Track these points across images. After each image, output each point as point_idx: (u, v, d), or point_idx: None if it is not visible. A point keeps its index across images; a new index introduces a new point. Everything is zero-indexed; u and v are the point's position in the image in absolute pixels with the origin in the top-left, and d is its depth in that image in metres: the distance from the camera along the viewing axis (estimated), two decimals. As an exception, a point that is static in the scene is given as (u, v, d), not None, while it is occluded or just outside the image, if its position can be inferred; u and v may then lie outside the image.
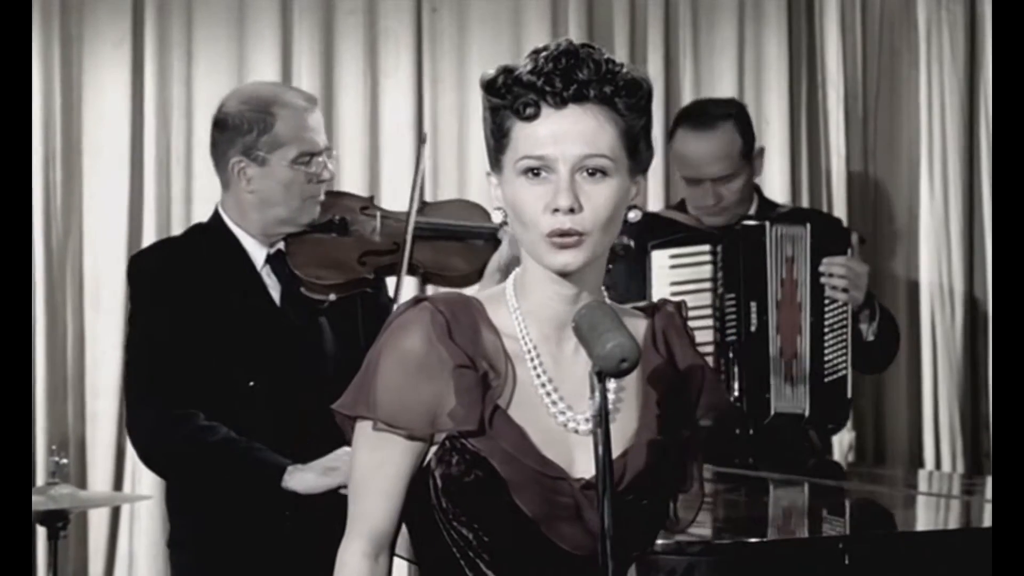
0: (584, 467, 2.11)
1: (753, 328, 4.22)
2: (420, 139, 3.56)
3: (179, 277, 3.43)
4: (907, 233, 5.33)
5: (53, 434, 4.74)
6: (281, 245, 3.51)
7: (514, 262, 3.10)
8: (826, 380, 4.23)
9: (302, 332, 3.48)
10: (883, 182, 5.37)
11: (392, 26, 5.04)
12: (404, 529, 2.18)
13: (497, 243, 3.47)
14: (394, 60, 5.04)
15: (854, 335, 4.24)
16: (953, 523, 3.72)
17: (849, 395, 4.26)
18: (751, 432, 4.23)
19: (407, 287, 3.71)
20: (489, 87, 2.11)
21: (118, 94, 4.89)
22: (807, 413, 4.22)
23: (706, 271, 4.30)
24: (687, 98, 5.18)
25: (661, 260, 4.31)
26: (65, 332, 4.83)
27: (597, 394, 1.98)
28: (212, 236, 3.53)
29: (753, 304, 4.23)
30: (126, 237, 4.84)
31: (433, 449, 2.12)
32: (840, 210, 5.23)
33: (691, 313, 4.24)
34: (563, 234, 2.06)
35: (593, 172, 2.08)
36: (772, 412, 4.20)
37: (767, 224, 4.25)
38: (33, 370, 4.70)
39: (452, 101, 5.07)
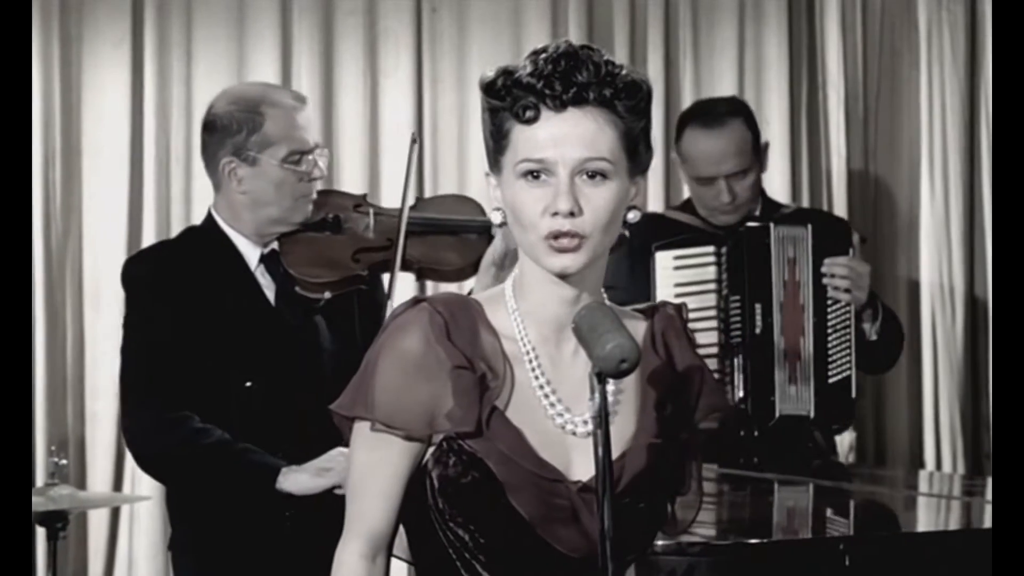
0: (581, 469, 2.10)
1: (758, 330, 4.22)
2: (412, 139, 3.56)
3: (173, 280, 3.43)
4: (908, 233, 5.32)
5: (53, 435, 4.74)
6: (275, 245, 3.51)
7: (509, 255, 3.10)
8: (830, 381, 4.22)
9: (298, 331, 3.48)
10: (884, 182, 5.37)
11: (392, 26, 5.04)
12: (402, 530, 2.18)
13: (490, 237, 3.46)
14: (394, 60, 5.04)
15: (857, 335, 4.24)
16: (954, 524, 3.72)
17: (854, 395, 4.26)
18: (756, 434, 4.23)
19: (403, 284, 3.71)
20: (488, 89, 2.10)
21: (118, 94, 4.89)
22: (812, 414, 4.22)
23: (710, 272, 4.30)
24: (687, 98, 5.18)
25: (665, 261, 4.30)
26: (65, 332, 4.82)
27: (597, 395, 1.98)
28: (205, 238, 3.53)
29: (758, 306, 4.23)
30: (126, 237, 4.84)
31: (430, 450, 2.12)
32: (840, 210, 5.23)
33: (695, 314, 4.30)
34: (563, 236, 2.06)
35: (593, 175, 2.07)
36: (777, 414, 4.20)
37: (771, 225, 4.25)
38: (33, 371, 4.70)
39: (452, 101, 5.06)
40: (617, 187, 2.08)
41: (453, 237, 3.56)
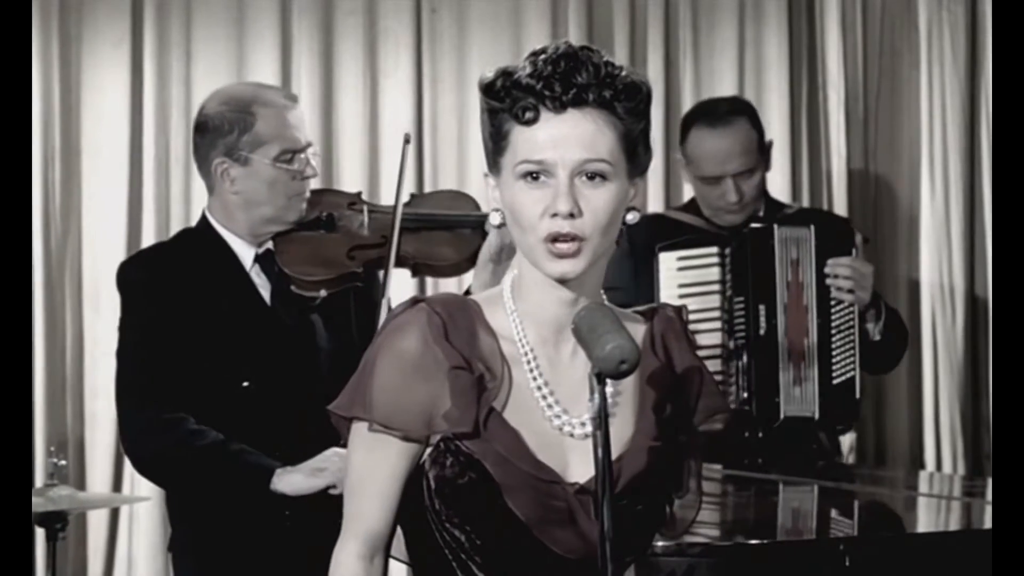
0: (578, 471, 2.10)
1: (762, 331, 4.22)
2: (404, 139, 3.56)
3: (168, 282, 3.44)
4: (908, 233, 5.32)
5: (52, 435, 4.73)
6: (270, 245, 3.51)
7: (505, 250, 3.09)
8: (835, 382, 4.22)
9: (294, 331, 3.48)
10: (884, 182, 5.36)
11: (392, 26, 5.03)
12: (400, 531, 2.18)
13: (484, 232, 3.46)
14: (394, 60, 5.04)
15: (861, 335, 4.24)
16: (954, 525, 3.71)
17: (858, 396, 4.26)
18: (760, 435, 4.23)
19: (401, 281, 3.70)
20: (488, 90, 2.10)
21: (117, 94, 4.89)
22: (817, 416, 4.22)
23: (714, 273, 4.30)
24: (687, 99, 5.18)
25: (669, 262, 4.30)
26: (64, 333, 4.82)
27: (596, 396, 1.97)
28: (200, 239, 3.53)
29: (762, 307, 4.22)
30: (125, 238, 4.84)
31: (428, 451, 2.11)
32: (841, 210, 5.23)
33: (699, 315, 4.30)
34: (562, 238, 2.05)
35: (592, 176, 2.07)
36: (782, 416, 4.19)
37: (775, 226, 4.24)
38: (32, 371, 4.69)
39: (452, 101, 5.06)
40: (616, 188, 2.08)
41: (448, 232, 3.56)
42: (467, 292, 2.96)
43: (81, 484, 4.75)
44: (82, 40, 4.87)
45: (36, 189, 4.74)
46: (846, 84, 5.31)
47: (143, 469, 3.49)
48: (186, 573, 3.51)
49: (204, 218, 3.56)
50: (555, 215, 2.05)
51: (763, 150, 4.42)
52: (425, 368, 2.08)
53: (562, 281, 2.09)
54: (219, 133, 3.47)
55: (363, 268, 3.52)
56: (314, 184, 3.58)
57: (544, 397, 2.12)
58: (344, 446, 2.18)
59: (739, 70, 5.27)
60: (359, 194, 3.69)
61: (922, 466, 5.26)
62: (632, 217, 2.12)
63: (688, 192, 5.05)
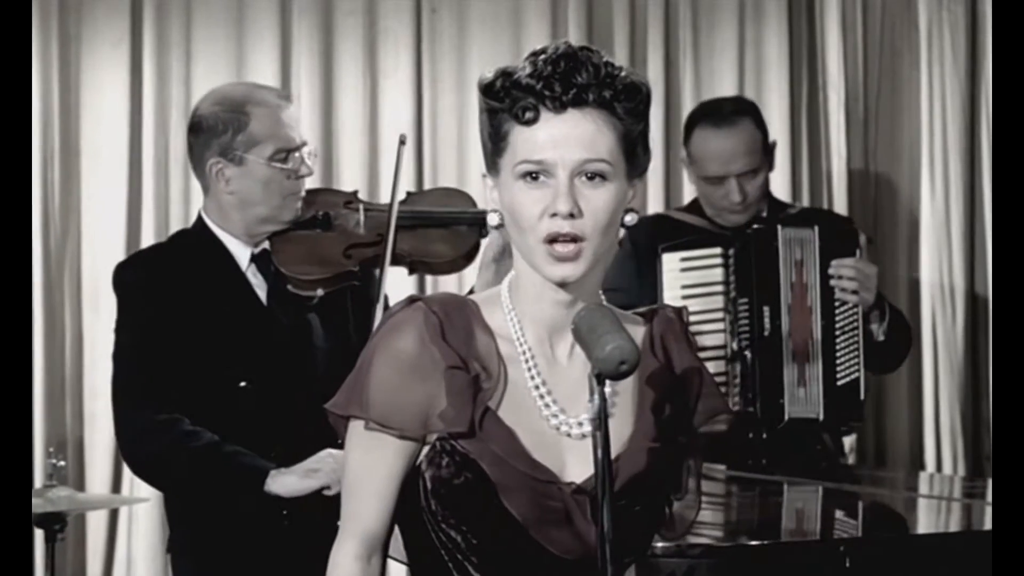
0: (575, 471, 2.10)
1: (766, 332, 4.21)
2: (400, 140, 3.55)
3: (164, 283, 3.44)
4: (908, 234, 5.32)
5: (51, 436, 4.73)
6: (266, 244, 3.51)
7: (507, 249, 3.09)
8: (839, 383, 4.22)
9: (290, 330, 3.48)
10: (884, 182, 5.36)
11: (391, 26, 5.03)
12: (399, 531, 2.17)
13: (481, 230, 3.46)
14: (393, 60, 5.03)
15: (865, 336, 4.23)
16: (954, 526, 3.71)
17: (862, 397, 4.25)
18: (764, 436, 4.22)
19: (399, 279, 3.70)
20: (487, 90, 2.10)
21: (116, 94, 4.88)
22: (821, 417, 4.21)
23: (717, 274, 4.29)
24: (687, 99, 5.17)
25: (672, 263, 4.30)
26: (63, 333, 4.82)
27: (596, 397, 1.97)
28: (196, 240, 3.53)
29: (766, 308, 4.22)
30: (124, 238, 4.84)
31: (425, 450, 2.11)
32: (841, 211, 5.22)
33: (702, 316, 4.30)
34: (562, 239, 2.05)
35: (592, 176, 2.07)
36: (787, 417, 4.19)
37: (779, 227, 4.24)
38: (31, 372, 4.68)
39: (452, 102, 5.06)
40: (616, 189, 2.08)
41: (444, 229, 3.56)
42: (470, 292, 2.96)
43: (80, 485, 4.74)
44: (81, 40, 4.86)
45: (35, 189, 4.74)
46: (846, 84, 5.31)
47: (138, 470, 3.50)
48: (185, 574, 3.51)
49: (200, 219, 3.56)
50: (555, 215, 2.05)
51: (767, 150, 4.41)
52: (422, 367, 2.08)
53: (562, 284, 2.09)
54: (213, 133, 3.47)
55: (360, 267, 3.52)
56: (310, 183, 3.58)
57: (542, 396, 2.12)
58: (341, 445, 2.18)
59: (739, 70, 5.27)
60: (355, 193, 3.69)
61: (922, 467, 5.25)
62: (630, 219, 2.12)
63: (688, 193, 5.05)
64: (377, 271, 3.50)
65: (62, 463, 3.79)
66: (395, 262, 3.50)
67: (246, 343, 3.44)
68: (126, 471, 4.74)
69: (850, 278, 4.20)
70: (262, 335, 3.46)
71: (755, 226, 4.30)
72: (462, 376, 2.08)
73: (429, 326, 2.09)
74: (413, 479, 2.12)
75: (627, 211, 2.12)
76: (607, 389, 2.06)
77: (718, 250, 4.29)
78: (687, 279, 4.30)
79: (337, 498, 3.16)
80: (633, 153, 2.10)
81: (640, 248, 4.33)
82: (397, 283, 3.63)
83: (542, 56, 2.08)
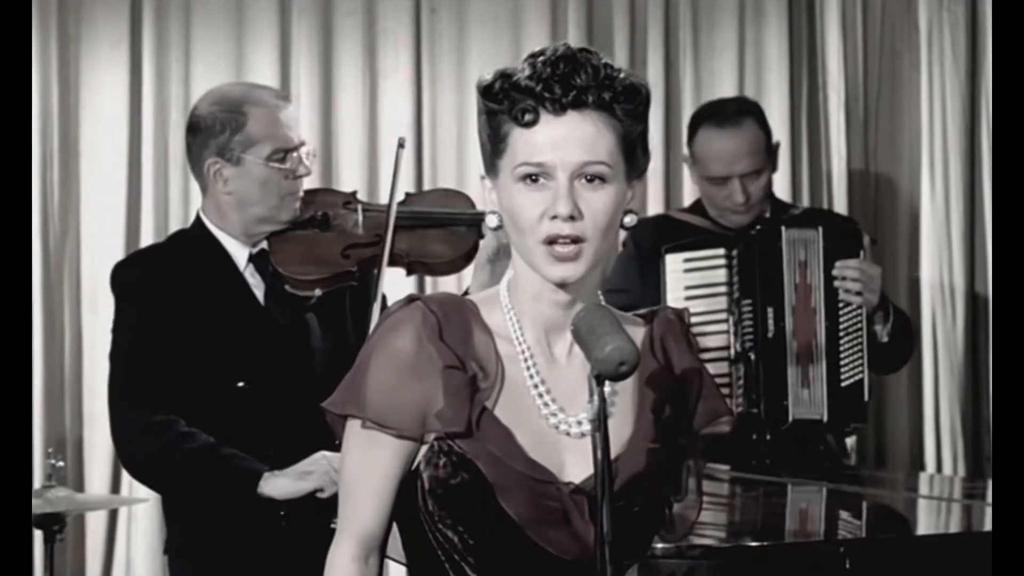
0: (574, 471, 2.10)
1: (770, 334, 4.21)
2: (398, 143, 3.55)
3: (161, 284, 3.43)
4: (908, 234, 5.31)
5: (50, 436, 4.73)
6: (264, 244, 3.51)
7: (502, 250, 3.09)
8: (843, 384, 4.22)
9: (288, 330, 3.48)
10: (884, 183, 5.36)
11: (391, 27, 5.03)
12: (398, 532, 2.17)
13: (479, 229, 3.46)
14: (393, 61, 5.03)
15: (869, 337, 4.23)
16: (954, 527, 3.71)
17: (866, 398, 4.25)
18: (768, 437, 4.22)
19: (397, 280, 3.69)
20: (486, 92, 2.09)
21: (116, 95, 4.88)
22: (825, 418, 4.21)
23: (721, 275, 4.29)
24: (687, 100, 5.17)
25: (675, 264, 4.29)
26: (63, 333, 4.81)
27: (595, 397, 1.97)
28: (194, 241, 3.53)
29: (770, 310, 4.22)
30: (124, 238, 4.83)
31: (423, 450, 2.11)
32: (841, 211, 5.21)
33: (705, 318, 4.30)
34: (561, 240, 2.05)
35: (592, 179, 2.06)
36: (791, 418, 4.19)
37: (783, 227, 4.24)
38: (31, 372, 4.68)
39: (451, 102, 5.06)
40: (615, 191, 2.08)
41: (442, 230, 3.55)
42: (465, 293, 2.95)
43: (80, 485, 4.74)
44: (81, 40, 4.86)
45: (35, 189, 4.74)
46: (846, 84, 5.31)
47: (133, 470, 3.51)
48: (182, 575, 3.50)
49: (198, 219, 3.56)
50: (555, 217, 2.05)
51: (770, 151, 4.41)
52: (419, 367, 2.08)
53: (561, 285, 2.08)
54: (211, 133, 3.46)
55: (358, 267, 3.51)
56: (309, 183, 3.58)
57: (541, 395, 2.12)
58: (336, 447, 2.18)
59: (739, 71, 5.27)
60: (354, 193, 3.68)
61: (922, 468, 5.25)
62: (630, 220, 2.12)
63: (688, 194, 5.05)
64: (376, 271, 3.49)
65: (61, 464, 3.79)
66: (393, 262, 3.49)
67: (243, 343, 3.44)
68: (126, 472, 4.74)
69: (854, 279, 4.19)
70: (259, 335, 3.46)
71: (758, 227, 4.29)
72: (459, 376, 2.08)
73: (427, 325, 2.09)
74: (411, 479, 2.11)
75: (626, 212, 2.11)
76: (606, 390, 2.06)
77: (721, 251, 4.29)
78: (690, 280, 4.30)
79: (334, 499, 3.18)
80: (632, 154, 2.10)
81: (643, 249, 4.33)
82: (396, 284, 3.62)
83: (541, 58, 2.07)
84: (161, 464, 3.37)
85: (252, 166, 3.46)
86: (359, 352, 2.13)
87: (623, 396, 2.16)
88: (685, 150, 4.54)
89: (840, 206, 5.27)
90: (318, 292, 3.48)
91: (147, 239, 4.75)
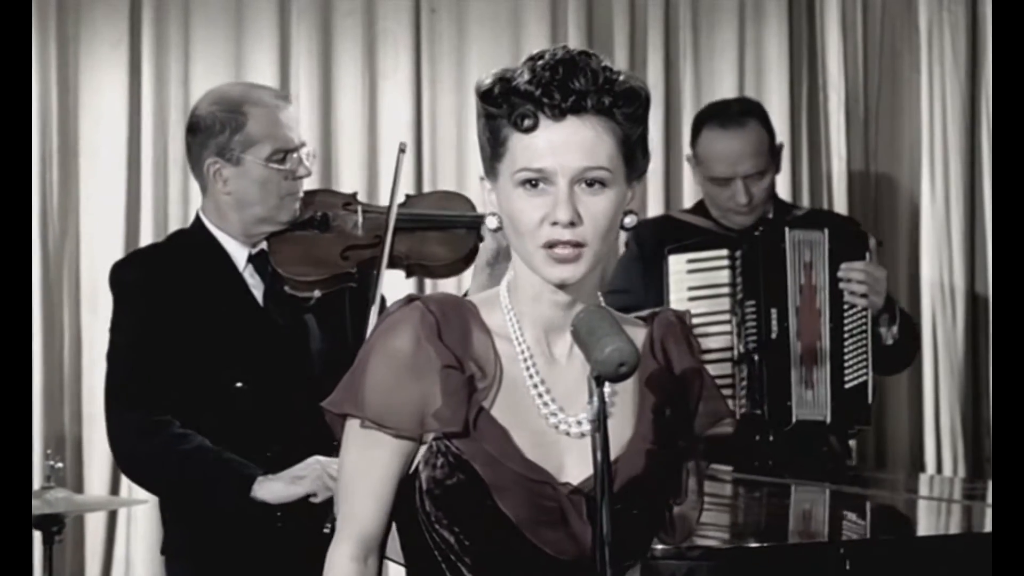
0: (573, 472, 2.09)
1: (774, 335, 4.21)
2: (400, 148, 3.54)
3: (160, 283, 3.43)
4: (908, 234, 5.31)
5: (49, 437, 4.72)
6: (264, 245, 3.50)
7: (502, 253, 3.09)
8: (847, 386, 4.21)
9: (287, 331, 3.47)
10: (884, 183, 5.36)
11: (391, 27, 5.03)
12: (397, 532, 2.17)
13: (479, 232, 3.45)
14: (393, 61, 5.03)
15: (874, 340, 4.23)
16: (954, 528, 3.71)
17: (870, 400, 4.25)
18: (771, 438, 4.21)
19: (397, 282, 3.69)
20: (485, 96, 2.09)
21: (115, 95, 4.88)
22: (829, 420, 4.21)
23: (724, 276, 4.28)
24: (687, 101, 5.17)
25: (678, 265, 4.29)
26: (62, 334, 4.81)
27: (595, 398, 1.96)
28: (193, 240, 3.53)
29: (774, 311, 4.21)
30: (123, 239, 4.83)
31: (421, 451, 2.11)
32: (841, 211, 5.21)
33: (709, 319, 4.30)
34: (562, 244, 2.04)
35: (592, 183, 2.06)
36: (794, 419, 4.18)
37: (786, 228, 4.24)
38: (31, 373, 4.68)
39: (451, 103, 5.05)
40: (615, 195, 2.07)
41: (442, 232, 3.55)
42: (465, 295, 2.95)
43: (79, 486, 4.74)
44: (80, 41, 4.86)
45: (34, 190, 4.73)
46: (846, 85, 5.31)
47: (127, 471, 3.51)
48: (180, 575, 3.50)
49: (198, 218, 3.55)
50: (555, 223, 2.04)
51: (774, 152, 4.41)
52: (417, 367, 2.08)
53: (561, 286, 2.08)
54: (210, 133, 3.46)
55: (357, 268, 3.51)
56: (309, 184, 3.57)
57: (540, 395, 2.12)
58: (336, 447, 2.18)
59: (739, 71, 5.26)
60: (354, 194, 3.68)
61: (922, 469, 5.25)
62: (630, 220, 2.12)
63: (688, 194, 5.05)
64: (375, 273, 3.49)
65: (60, 465, 3.79)
66: (392, 264, 3.49)
67: (242, 344, 3.44)
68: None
69: (859, 281, 4.19)
70: (258, 336, 3.46)
71: (761, 228, 4.29)
72: (457, 376, 2.08)
73: (425, 325, 2.09)
74: (409, 480, 2.11)
75: (626, 213, 2.11)
76: (606, 391, 2.06)
77: (724, 252, 4.28)
78: (693, 281, 4.29)
79: (329, 501, 3.19)
80: (632, 157, 2.10)
81: (646, 250, 4.33)
82: (395, 286, 3.61)
83: (540, 61, 2.07)
84: (155, 465, 3.37)
85: (252, 166, 3.45)
86: (358, 352, 2.13)
87: (623, 397, 2.15)
88: (688, 150, 4.53)
89: (840, 206, 5.27)
90: (317, 293, 3.47)
91: (146, 239, 4.75)
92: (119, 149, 4.87)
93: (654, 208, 5.08)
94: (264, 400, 3.41)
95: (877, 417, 5.24)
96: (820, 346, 4.20)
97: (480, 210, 3.47)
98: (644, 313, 2.25)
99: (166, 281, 3.44)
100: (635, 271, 4.35)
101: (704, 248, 4.30)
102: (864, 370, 4.22)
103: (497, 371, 2.10)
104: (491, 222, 2.14)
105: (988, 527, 3.37)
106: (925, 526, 3.76)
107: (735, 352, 4.25)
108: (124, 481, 4.74)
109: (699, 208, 4.51)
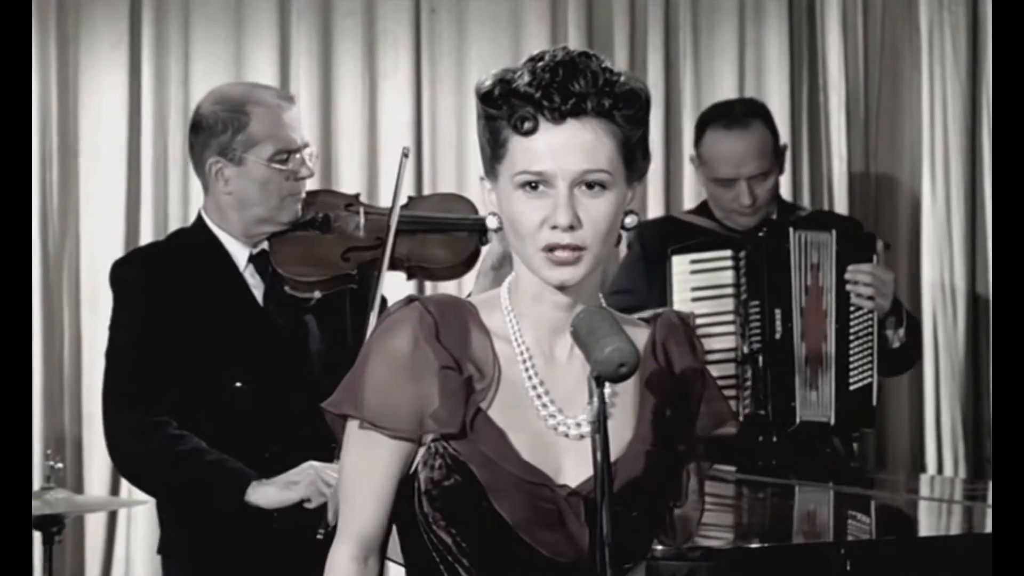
0: (571, 474, 2.09)
1: (778, 335, 4.20)
2: (403, 153, 3.54)
3: (161, 282, 3.43)
4: (909, 235, 5.31)
5: (49, 437, 4.72)
6: (265, 245, 3.50)
7: (506, 257, 3.08)
8: (852, 388, 4.21)
9: (286, 331, 3.47)
10: (885, 184, 5.35)
11: (391, 27, 5.02)
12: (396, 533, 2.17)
13: (482, 237, 3.45)
14: (392, 61, 5.02)
15: (880, 342, 4.22)
16: (955, 528, 3.70)
17: (874, 403, 4.25)
18: (774, 439, 4.21)
19: (398, 284, 3.69)
20: (485, 98, 2.08)
21: (115, 95, 4.88)
22: (832, 421, 4.20)
23: (727, 276, 4.28)
24: (688, 101, 5.17)
25: (681, 265, 4.28)
26: (62, 334, 4.81)
27: (595, 399, 1.96)
28: (194, 239, 3.52)
29: (778, 311, 4.21)
30: (123, 239, 4.83)
31: (421, 452, 2.11)
32: (842, 212, 5.21)
33: (712, 319, 4.30)
34: (561, 248, 2.04)
35: (592, 186, 2.06)
36: (798, 420, 4.18)
37: (790, 229, 4.23)
38: (30, 373, 4.67)
39: (451, 103, 5.05)
40: (616, 197, 2.07)
41: (443, 235, 3.54)
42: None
43: (79, 487, 4.73)
44: (80, 41, 4.86)
45: (34, 190, 4.73)
46: (847, 85, 5.30)
47: (123, 471, 3.52)
48: (176, 575, 3.50)
49: (199, 218, 3.55)
50: (554, 227, 2.04)
51: (778, 153, 4.41)
52: (415, 367, 2.08)
53: (561, 288, 2.08)
54: (213, 132, 3.46)
55: (357, 270, 3.50)
56: (310, 184, 3.57)
57: (539, 396, 2.11)
58: (333, 449, 2.17)
59: (739, 72, 5.26)
60: (357, 196, 3.67)
61: (923, 469, 5.25)
62: (631, 221, 2.11)
63: (689, 195, 5.05)
64: (376, 274, 3.49)
65: (60, 465, 3.79)
66: (393, 267, 3.49)
67: (241, 344, 3.43)
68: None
69: (866, 284, 4.19)
70: (258, 336, 3.45)
71: (765, 228, 4.29)
72: (455, 377, 2.08)
73: (424, 326, 2.09)
74: (408, 481, 2.11)
75: (627, 213, 2.11)
76: (606, 392, 2.05)
77: (728, 252, 4.28)
78: (697, 281, 4.29)
79: (324, 506, 3.19)
80: (633, 159, 2.09)
81: (649, 250, 4.33)
82: (397, 288, 3.61)
83: (540, 63, 2.06)
84: (150, 466, 3.36)
85: (253, 166, 3.45)
86: (359, 353, 2.13)
87: (623, 399, 2.15)
88: (692, 151, 4.53)
89: (841, 207, 5.26)
90: (317, 294, 3.47)
91: (146, 239, 4.75)
92: (119, 149, 4.87)
93: (654, 208, 5.08)
94: (263, 400, 3.40)
95: (878, 417, 5.24)
96: (825, 347, 4.20)
97: (480, 210, 3.47)
98: (647, 314, 2.25)
99: (166, 280, 3.43)
100: (638, 272, 4.35)
101: (708, 249, 4.29)
102: (869, 373, 4.22)
103: (495, 372, 2.10)
104: (491, 222, 2.14)
105: (988, 528, 3.37)
106: (926, 527, 3.76)
107: (739, 353, 4.25)
108: (124, 482, 4.74)
109: (702, 209, 4.51)
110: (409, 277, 3.64)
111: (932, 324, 5.26)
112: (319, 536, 3.12)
